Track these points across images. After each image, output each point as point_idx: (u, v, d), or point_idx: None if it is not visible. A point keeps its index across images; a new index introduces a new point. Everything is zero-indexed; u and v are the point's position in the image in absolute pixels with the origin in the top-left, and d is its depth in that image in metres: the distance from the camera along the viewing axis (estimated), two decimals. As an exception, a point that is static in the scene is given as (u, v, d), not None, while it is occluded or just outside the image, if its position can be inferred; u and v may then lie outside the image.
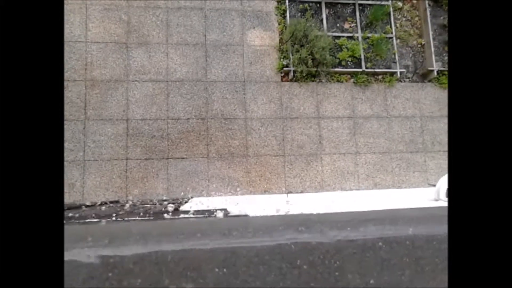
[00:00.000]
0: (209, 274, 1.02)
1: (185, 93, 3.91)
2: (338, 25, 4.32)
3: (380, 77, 4.27)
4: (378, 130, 4.16)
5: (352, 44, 4.19)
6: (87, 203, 3.54)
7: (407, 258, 1.13)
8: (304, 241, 1.11)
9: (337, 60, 4.16)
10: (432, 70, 4.26)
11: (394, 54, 4.30)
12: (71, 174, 3.61)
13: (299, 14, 4.26)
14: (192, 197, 3.69)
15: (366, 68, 4.16)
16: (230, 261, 1.04)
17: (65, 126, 3.65)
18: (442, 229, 1.16)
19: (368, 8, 4.40)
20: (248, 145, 3.92)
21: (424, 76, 4.40)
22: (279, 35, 4.20)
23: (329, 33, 4.20)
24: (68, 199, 3.55)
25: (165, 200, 3.60)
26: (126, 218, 1.87)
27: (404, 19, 4.54)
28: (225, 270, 1.03)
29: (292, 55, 4.05)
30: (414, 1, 4.60)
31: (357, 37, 4.27)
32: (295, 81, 4.11)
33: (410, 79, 4.39)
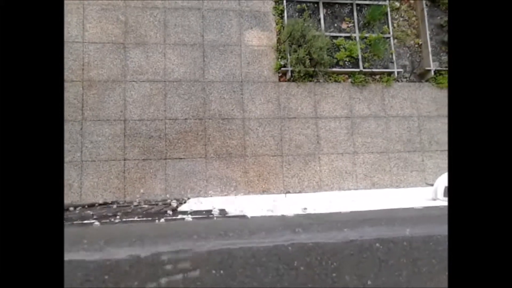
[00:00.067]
0: (206, 276, 1.02)
1: (182, 94, 3.90)
2: (335, 25, 4.33)
3: (377, 77, 4.28)
4: (376, 130, 4.16)
5: (350, 44, 4.20)
6: (85, 204, 3.53)
7: (405, 259, 1.13)
8: (301, 242, 1.11)
9: (335, 60, 4.16)
10: (429, 70, 4.28)
11: (392, 54, 4.31)
12: (68, 175, 3.59)
13: (297, 14, 4.26)
14: (190, 198, 3.69)
15: (364, 68, 4.17)
16: (227, 263, 1.04)
17: (62, 127, 3.64)
18: (439, 230, 1.16)
19: (366, 8, 4.40)
20: (246, 145, 3.91)
21: (422, 76, 4.41)
22: (277, 35, 4.20)
23: (327, 33, 4.20)
24: (65, 200, 3.54)
25: (163, 201, 3.60)
26: (124, 219, 1.87)
27: (401, 19, 4.55)
28: (222, 271, 1.03)
29: (290, 55, 4.05)
30: (412, 1, 4.61)
31: (355, 37, 4.27)
32: (293, 81, 4.11)
33: (408, 79, 4.40)
